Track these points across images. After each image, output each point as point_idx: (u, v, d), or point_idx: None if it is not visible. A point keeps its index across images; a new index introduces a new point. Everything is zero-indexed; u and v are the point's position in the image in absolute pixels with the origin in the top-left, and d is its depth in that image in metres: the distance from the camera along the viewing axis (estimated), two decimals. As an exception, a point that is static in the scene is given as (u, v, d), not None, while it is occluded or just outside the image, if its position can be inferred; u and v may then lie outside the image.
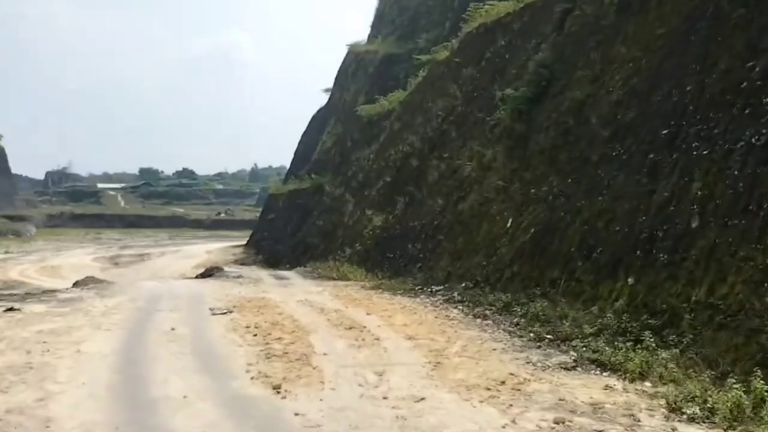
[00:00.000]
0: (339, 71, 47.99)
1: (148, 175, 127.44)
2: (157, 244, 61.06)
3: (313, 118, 52.85)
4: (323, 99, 51.65)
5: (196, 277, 27.28)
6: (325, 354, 9.95)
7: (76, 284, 22.15)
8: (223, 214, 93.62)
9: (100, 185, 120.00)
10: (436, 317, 13.06)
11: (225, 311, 14.17)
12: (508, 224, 15.95)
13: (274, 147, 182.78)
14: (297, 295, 17.20)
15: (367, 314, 13.34)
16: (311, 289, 18.58)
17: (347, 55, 46.70)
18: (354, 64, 44.02)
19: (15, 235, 70.21)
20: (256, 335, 11.42)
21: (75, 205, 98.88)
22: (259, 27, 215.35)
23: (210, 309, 14.59)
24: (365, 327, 11.98)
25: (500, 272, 14.87)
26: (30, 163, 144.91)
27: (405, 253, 19.75)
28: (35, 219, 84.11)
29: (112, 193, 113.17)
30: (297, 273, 26.48)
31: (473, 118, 20.07)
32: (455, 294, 15.44)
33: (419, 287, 17.24)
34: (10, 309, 15.50)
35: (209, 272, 27.74)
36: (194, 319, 13.38)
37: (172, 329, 12.16)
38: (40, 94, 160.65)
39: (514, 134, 17.40)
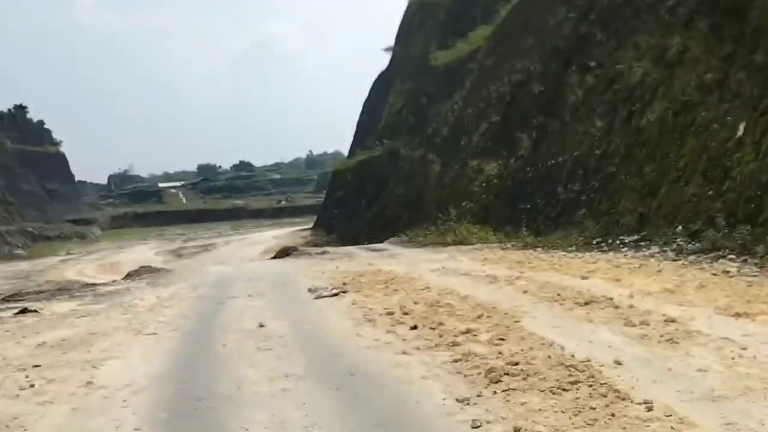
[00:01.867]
0: (401, 26, 42.14)
1: (206, 171, 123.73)
2: (220, 235, 56.55)
3: (375, 83, 47.15)
4: (380, 64, 46.00)
5: (271, 259, 22.07)
6: (617, 364, 4.34)
7: (127, 276, 17.07)
8: (283, 202, 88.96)
9: (161, 185, 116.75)
10: (714, 275, 7.29)
11: (334, 291, 8.70)
12: (740, 131, 10.03)
13: (328, 134, 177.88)
14: (420, 264, 11.65)
15: (583, 278, 7.67)
16: (434, 257, 13.00)
17: (409, 7, 40.82)
18: (419, 15, 38.10)
19: (79, 238, 67.08)
20: (416, 328, 5.89)
21: (138, 205, 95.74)
22: (302, 16, 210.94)
23: (309, 290, 9.16)
24: (610, 299, 6.31)
25: (757, 200, 9.01)
26: (93, 170, 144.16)
27: (551, 200, 14.03)
28: (100, 221, 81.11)
29: (173, 191, 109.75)
30: (391, 244, 21.01)
31: (633, 5, 14.11)
32: (678, 242, 9.63)
33: (598, 240, 11.46)
34: (24, 311, 10.44)
35: (285, 252, 22.36)
36: (291, 307, 7.97)
37: (261, 326, 6.75)
38: (97, 102, 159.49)
39: (719, 6, 11.41)
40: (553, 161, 14.86)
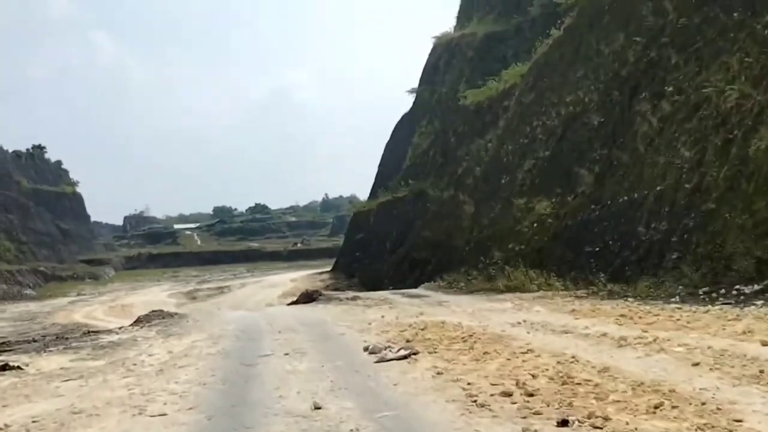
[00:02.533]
0: (426, 67, 40.61)
1: (222, 213, 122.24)
2: (236, 277, 54.42)
3: (398, 125, 45.51)
4: (396, 108, 44.33)
5: (291, 304, 19.93)
6: None
7: (137, 321, 14.93)
8: (299, 245, 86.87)
9: (176, 226, 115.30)
10: None
11: (402, 352, 6.51)
12: None
13: (343, 178, 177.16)
14: (488, 315, 9.47)
15: (765, 344, 5.48)
16: (496, 306, 10.82)
17: (434, 48, 39.29)
18: (446, 55, 36.54)
19: (92, 279, 65.28)
20: (565, 424, 3.71)
21: (152, 246, 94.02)
22: (319, 65, 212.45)
23: (366, 349, 6.98)
24: None
25: None
26: (109, 211, 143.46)
27: (629, 242, 11.85)
28: (113, 262, 79.35)
29: (188, 233, 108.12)
30: (429, 289, 18.84)
31: (716, 24, 12.17)
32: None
33: (705, 290, 9.26)
34: (4, 367, 8.33)
35: (309, 297, 20.20)
36: (350, 375, 5.79)
37: (316, 407, 4.59)
38: (115, 144, 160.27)
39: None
40: (625, 197, 12.73)
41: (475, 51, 32.60)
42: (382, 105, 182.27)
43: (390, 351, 6.52)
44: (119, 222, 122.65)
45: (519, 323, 8.10)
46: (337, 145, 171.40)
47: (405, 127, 42.98)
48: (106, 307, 31.68)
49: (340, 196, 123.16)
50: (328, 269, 49.40)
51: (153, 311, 16.66)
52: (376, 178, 46.12)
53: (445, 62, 36.34)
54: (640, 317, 7.67)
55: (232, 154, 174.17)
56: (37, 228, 72.42)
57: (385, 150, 46.59)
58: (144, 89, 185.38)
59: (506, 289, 13.81)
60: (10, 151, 78.27)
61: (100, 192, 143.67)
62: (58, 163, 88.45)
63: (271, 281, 43.55)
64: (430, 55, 40.27)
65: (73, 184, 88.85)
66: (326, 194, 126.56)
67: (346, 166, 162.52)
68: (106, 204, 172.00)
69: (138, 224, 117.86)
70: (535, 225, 16.26)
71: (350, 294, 18.82)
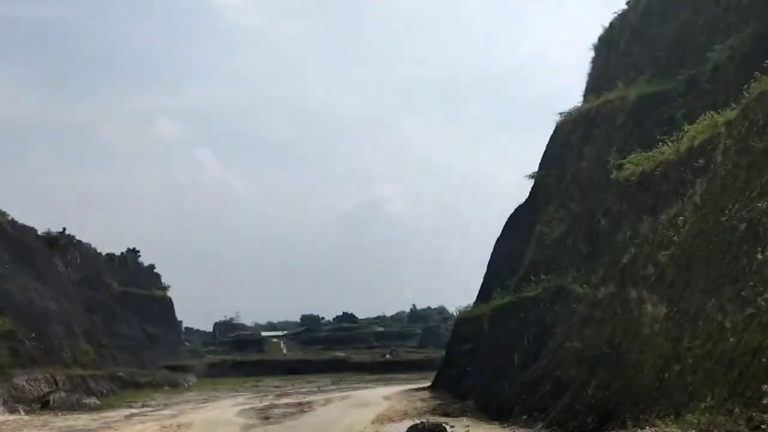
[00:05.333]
0: (549, 149, 33.22)
1: (309, 321, 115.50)
2: (319, 390, 46.16)
3: (511, 219, 37.71)
4: (506, 206, 36.97)
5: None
6: None
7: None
8: (388, 356, 78.09)
9: (263, 333, 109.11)
10: None
11: None
12: None
13: (429, 290, 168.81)
14: None
15: None
16: None
17: (561, 125, 32.03)
18: (581, 128, 29.07)
19: (171, 386, 58.36)
20: None
21: (238, 354, 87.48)
22: (406, 180, 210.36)
23: None
24: None
25: None
26: (201, 317, 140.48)
27: None
28: (196, 369, 72.83)
29: (274, 340, 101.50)
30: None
31: None
32: None
33: None
34: None
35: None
36: None
37: None
38: (211, 252, 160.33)
39: None
40: None
41: (627, 116, 24.94)
42: (466, 210, 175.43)
43: None
44: (210, 329, 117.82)
45: None
46: (426, 261, 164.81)
47: (521, 221, 35.10)
48: (158, 426, 24.10)
49: (428, 307, 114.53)
50: (424, 385, 40.53)
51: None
52: (484, 281, 37.98)
53: (581, 136, 28.76)
54: None
55: (322, 264, 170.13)
56: (121, 331, 67.12)
57: (494, 249, 38.62)
58: (241, 201, 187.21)
59: None
60: (104, 253, 75.19)
61: (193, 298, 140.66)
62: (151, 267, 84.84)
63: (361, 398, 35.08)
64: (554, 133, 32.96)
65: (165, 288, 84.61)
66: (414, 305, 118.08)
67: (433, 278, 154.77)
68: (198, 310, 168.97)
69: (227, 331, 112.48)
70: None
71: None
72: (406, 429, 15.13)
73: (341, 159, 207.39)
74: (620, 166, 22.64)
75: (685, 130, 19.55)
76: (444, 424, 16.68)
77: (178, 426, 24.25)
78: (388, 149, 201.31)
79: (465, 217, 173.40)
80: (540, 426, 19.17)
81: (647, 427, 13.66)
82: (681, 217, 17.44)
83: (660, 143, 20.74)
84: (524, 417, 20.69)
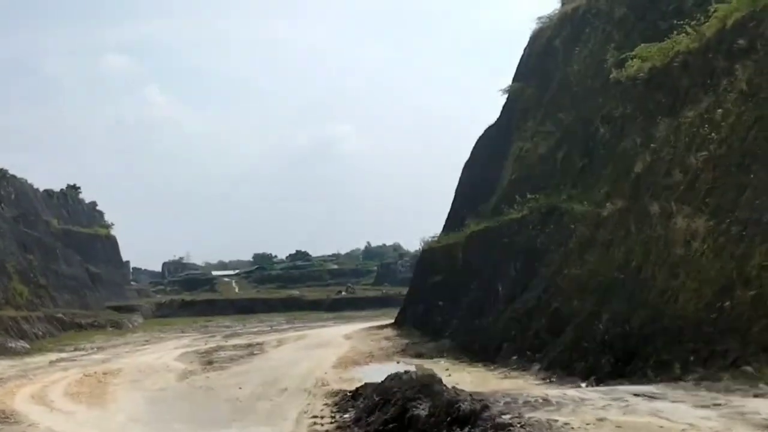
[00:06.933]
0: (526, 58, 29.09)
1: (262, 260, 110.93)
2: (272, 329, 42.22)
3: (480, 141, 33.78)
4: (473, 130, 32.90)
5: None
6: None
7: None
8: (343, 293, 74.68)
9: (214, 272, 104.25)
10: None
11: None
12: None
13: (384, 227, 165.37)
14: None
15: None
16: None
17: (540, 32, 27.83)
18: (567, 28, 24.93)
19: (115, 327, 53.44)
20: None
21: (188, 293, 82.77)
22: (360, 121, 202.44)
23: None
24: None
25: None
26: (150, 257, 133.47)
27: None
28: (143, 309, 67.96)
29: (226, 279, 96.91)
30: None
31: None
32: None
33: None
34: None
35: (470, 411, 7.82)
36: None
37: None
38: (159, 191, 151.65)
39: None
40: None
41: (628, 7, 20.86)
42: (416, 152, 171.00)
43: None
44: (159, 269, 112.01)
45: None
46: (377, 197, 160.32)
47: (493, 142, 31.18)
48: (80, 376, 19.79)
49: (383, 245, 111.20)
50: (386, 322, 37.01)
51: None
52: (452, 209, 34.14)
53: (567, 39, 24.61)
54: None
55: (274, 202, 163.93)
56: (61, 271, 61.20)
57: (463, 173, 34.74)
58: (192, 140, 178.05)
59: None
60: (41, 189, 68.49)
61: (142, 239, 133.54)
62: (93, 204, 78.39)
63: (318, 338, 31.31)
64: (531, 42, 28.74)
65: (108, 226, 78.48)
66: (368, 242, 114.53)
67: (386, 218, 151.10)
68: (147, 251, 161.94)
69: (177, 270, 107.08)
70: None
71: (541, 394, 6.60)
72: (383, 378, 11.21)
73: (294, 94, 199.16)
74: (622, 64, 18.74)
75: (713, 9, 15.65)
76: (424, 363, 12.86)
77: (104, 374, 20.01)
78: (343, 84, 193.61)
79: (419, 152, 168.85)
80: (537, 368, 15.67)
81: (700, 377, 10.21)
82: (719, 110, 13.67)
83: (674, 33, 16.84)
84: (514, 357, 17.20)
